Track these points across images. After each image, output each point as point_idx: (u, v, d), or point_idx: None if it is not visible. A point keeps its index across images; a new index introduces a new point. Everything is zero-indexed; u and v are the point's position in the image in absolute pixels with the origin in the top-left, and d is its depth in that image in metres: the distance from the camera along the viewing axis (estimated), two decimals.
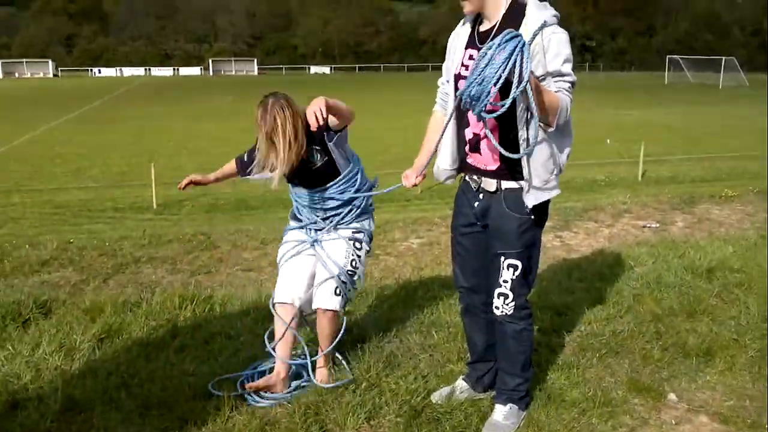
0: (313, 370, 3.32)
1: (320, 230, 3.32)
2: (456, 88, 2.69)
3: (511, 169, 2.68)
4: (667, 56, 52.41)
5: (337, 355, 3.47)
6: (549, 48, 2.49)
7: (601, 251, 5.92)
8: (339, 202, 3.25)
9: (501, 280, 2.79)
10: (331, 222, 3.29)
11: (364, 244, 3.34)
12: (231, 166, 3.45)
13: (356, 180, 3.26)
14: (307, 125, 2.91)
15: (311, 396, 3.11)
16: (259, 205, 9.03)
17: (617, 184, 10.26)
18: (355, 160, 3.31)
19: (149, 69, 74.58)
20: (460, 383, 3.19)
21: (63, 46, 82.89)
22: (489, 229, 2.83)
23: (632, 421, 2.99)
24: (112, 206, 9.06)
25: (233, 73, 74.41)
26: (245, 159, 3.37)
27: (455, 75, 2.75)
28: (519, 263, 2.77)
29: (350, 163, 3.25)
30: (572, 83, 2.55)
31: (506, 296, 2.81)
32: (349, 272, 3.25)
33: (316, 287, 3.26)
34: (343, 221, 3.29)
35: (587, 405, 3.05)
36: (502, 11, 2.62)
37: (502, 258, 2.78)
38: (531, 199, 2.68)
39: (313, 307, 3.30)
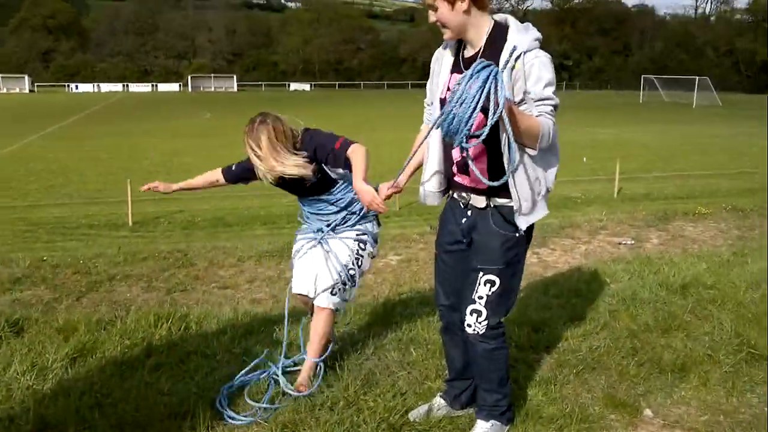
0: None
1: (324, 233, 3.45)
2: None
3: (502, 186, 2.62)
4: (643, 75, 53.31)
5: (319, 363, 3.48)
6: (531, 73, 2.48)
7: (578, 268, 5.97)
8: (337, 209, 3.41)
9: (476, 296, 2.74)
10: (332, 226, 3.43)
11: (368, 245, 3.47)
12: (214, 174, 3.59)
13: (352, 188, 3.26)
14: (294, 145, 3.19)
15: (289, 414, 3.08)
16: (236, 222, 8.98)
17: (593, 201, 10.37)
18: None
19: (127, 85, 74.19)
20: (438, 401, 3.18)
21: (40, 62, 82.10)
22: (473, 245, 2.80)
23: None
24: (86, 223, 8.94)
25: (212, 89, 74.19)
26: (233, 169, 3.54)
27: (441, 99, 2.75)
28: (497, 280, 2.73)
29: (345, 172, 3.29)
30: (555, 106, 2.53)
31: (479, 313, 2.75)
32: (350, 270, 3.39)
33: (315, 282, 3.38)
34: (345, 225, 3.43)
35: (564, 421, 3.05)
36: (485, 37, 2.60)
37: (480, 273, 2.74)
38: (523, 222, 2.68)
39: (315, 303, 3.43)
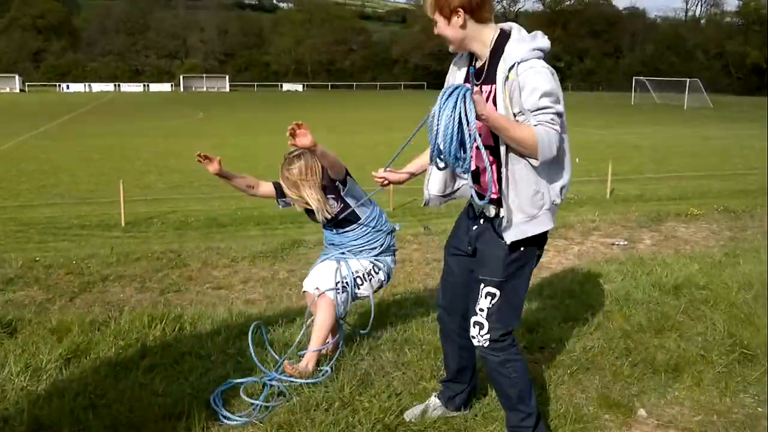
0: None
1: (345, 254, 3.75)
2: None
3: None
4: (634, 77, 53.53)
5: (327, 369, 3.52)
6: (525, 83, 2.41)
7: (571, 268, 5.99)
8: (358, 244, 3.71)
9: (477, 308, 2.68)
10: (352, 251, 3.72)
11: (381, 273, 3.75)
12: (268, 187, 3.80)
13: (376, 224, 3.72)
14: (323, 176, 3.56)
15: (284, 414, 3.08)
16: (229, 222, 8.97)
17: (586, 202, 10.42)
18: (374, 206, 3.78)
19: (119, 85, 73.89)
20: (434, 400, 3.18)
21: (31, 61, 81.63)
22: (477, 254, 2.75)
23: None
24: (78, 224, 8.91)
25: (204, 89, 74.03)
26: (281, 187, 3.76)
27: None
28: (497, 292, 2.65)
29: (368, 209, 3.71)
30: (557, 114, 2.42)
31: (481, 326, 2.68)
32: (357, 280, 3.63)
33: (321, 279, 3.62)
34: (364, 253, 3.72)
35: (559, 422, 3.06)
36: (489, 47, 2.55)
37: (482, 285, 2.68)
38: (510, 235, 2.58)
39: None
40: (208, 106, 41.03)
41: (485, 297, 2.67)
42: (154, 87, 74.27)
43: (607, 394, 3.37)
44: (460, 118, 2.28)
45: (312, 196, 3.55)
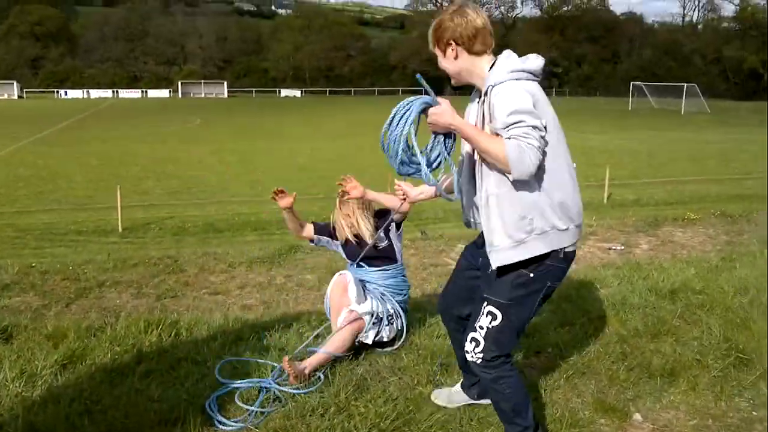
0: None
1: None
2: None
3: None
4: (631, 82, 53.64)
5: (320, 375, 3.52)
6: (494, 105, 2.41)
7: (568, 273, 5.98)
8: (389, 284, 4.00)
9: (477, 324, 2.65)
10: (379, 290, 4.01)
11: (400, 321, 3.98)
12: (309, 226, 4.14)
13: (402, 275, 4.08)
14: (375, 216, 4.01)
15: (279, 420, 3.08)
16: (226, 227, 8.97)
17: (583, 207, 10.41)
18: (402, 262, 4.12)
19: (117, 91, 73.90)
20: (458, 387, 3.28)
21: (29, 68, 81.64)
22: (489, 270, 2.66)
23: None
24: (75, 229, 8.91)
25: (203, 95, 74.04)
26: (319, 223, 4.16)
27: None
28: (499, 314, 2.61)
29: (400, 261, 4.07)
30: (532, 127, 2.33)
31: (477, 343, 2.64)
32: (390, 318, 3.89)
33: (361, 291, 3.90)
34: (393, 296, 4.01)
35: (555, 426, 3.07)
36: (486, 78, 2.53)
37: (485, 303, 2.65)
38: (496, 260, 2.55)
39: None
40: (206, 112, 41.05)
41: (486, 315, 2.64)
42: (153, 93, 74.28)
43: (603, 398, 3.37)
44: (400, 134, 2.45)
45: (365, 221, 3.93)
